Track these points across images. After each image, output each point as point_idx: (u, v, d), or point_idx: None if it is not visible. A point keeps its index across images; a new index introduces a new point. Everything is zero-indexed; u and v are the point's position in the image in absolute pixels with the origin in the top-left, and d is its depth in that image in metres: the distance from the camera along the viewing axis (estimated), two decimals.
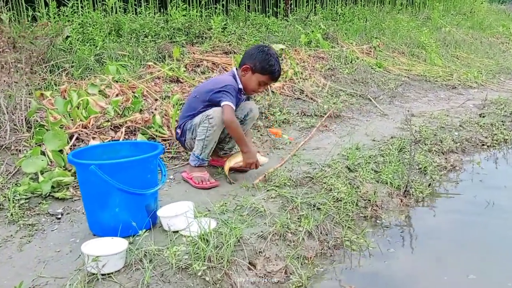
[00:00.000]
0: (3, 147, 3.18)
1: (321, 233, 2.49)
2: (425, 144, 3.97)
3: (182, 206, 2.36)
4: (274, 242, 2.29)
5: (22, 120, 3.47)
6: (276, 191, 2.83)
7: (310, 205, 2.72)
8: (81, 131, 3.23)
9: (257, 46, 3.10)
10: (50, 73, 4.53)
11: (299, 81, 5.72)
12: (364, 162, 3.43)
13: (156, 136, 3.52)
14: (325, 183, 3.00)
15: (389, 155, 3.62)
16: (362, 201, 2.91)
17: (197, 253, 2.02)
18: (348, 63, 7.06)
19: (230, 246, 2.10)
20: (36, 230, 2.34)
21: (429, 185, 3.33)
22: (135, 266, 1.97)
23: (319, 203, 2.73)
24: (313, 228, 2.47)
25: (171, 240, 2.16)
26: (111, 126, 3.45)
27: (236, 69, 3.10)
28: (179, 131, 3.11)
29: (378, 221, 2.81)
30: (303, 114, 4.79)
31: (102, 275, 1.89)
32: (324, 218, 2.57)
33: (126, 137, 3.42)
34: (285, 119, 4.49)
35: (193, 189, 2.92)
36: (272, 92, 5.15)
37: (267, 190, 2.86)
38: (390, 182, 3.21)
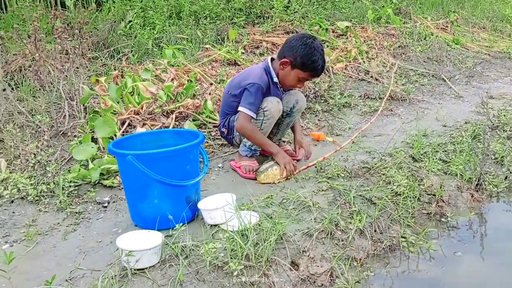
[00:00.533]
0: (61, 133, 3.27)
1: (374, 231, 2.28)
2: (503, 130, 3.54)
3: (224, 198, 2.26)
4: (321, 240, 2.12)
5: (80, 106, 3.55)
6: (328, 183, 2.64)
7: (365, 199, 2.50)
8: (133, 117, 3.23)
9: (300, 36, 2.75)
10: (110, 58, 4.62)
11: (364, 61, 5.39)
12: (432, 151, 3.12)
13: (207, 122, 3.45)
14: (383, 174, 2.76)
15: (460, 143, 3.27)
16: (425, 196, 2.64)
17: (235, 251, 1.91)
18: (421, 40, 6.56)
19: (271, 244, 1.96)
20: (82, 218, 2.36)
21: (506, 178, 2.96)
22: (170, 262, 1.90)
23: (375, 197, 2.51)
24: (366, 225, 2.27)
25: (210, 235, 2.07)
26: (163, 112, 3.42)
27: (272, 59, 2.87)
28: (224, 130, 2.99)
29: (443, 219, 2.53)
30: (366, 96, 4.49)
31: (136, 270, 1.84)
32: (380, 215, 2.35)
33: (177, 123, 3.38)
34: (346, 102, 4.23)
35: (240, 179, 2.81)
36: (334, 73, 4.88)
37: (318, 182, 2.67)
38: (460, 174, 2.89)
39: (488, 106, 4.13)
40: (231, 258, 1.88)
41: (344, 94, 4.36)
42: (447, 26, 7.32)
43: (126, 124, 3.19)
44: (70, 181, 2.60)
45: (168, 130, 2.89)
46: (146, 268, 1.86)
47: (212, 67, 4.73)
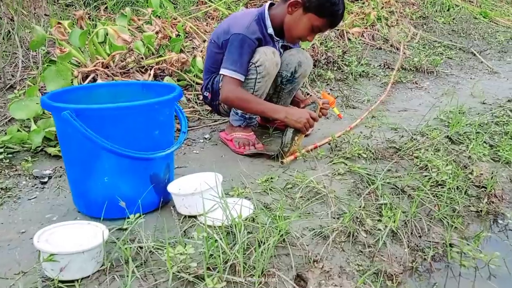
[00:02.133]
0: (9, 86, 2.62)
1: (411, 233, 1.66)
2: None
3: (205, 179, 1.64)
4: (339, 245, 1.50)
5: (39, 57, 2.89)
6: (346, 164, 2.02)
7: (395, 189, 1.88)
8: (100, 70, 2.57)
9: None
10: (86, 5, 3.93)
11: (383, 28, 4.71)
12: (473, 131, 2.49)
13: (194, 82, 2.80)
14: (417, 157, 2.13)
15: (508, 124, 2.63)
16: (473, 188, 2.02)
17: (214, 258, 1.29)
18: (444, 11, 5.87)
19: (268, 249, 1.34)
20: (9, 197, 1.73)
21: None
22: (115, 271, 1.28)
23: (409, 187, 1.89)
24: (399, 225, 1.65)
25: (181, 232, 1.46)
26: (139, 67, 2.76)
27: (271, 4, 2.21)
28: (207, 94, 2.33)
29: (499, 221, 1.91)
30: (386, 66, 3.85)
31: (61, 282, 1.22)
32: (417, 211, 1.73)
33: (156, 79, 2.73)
34: (363, 71, 3.58)
35: (232, 155, 2.18)
36: (349, 39, 4.21)
37: (333, 163, 2.05)
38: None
39: None
40: (208, 269, 1.27)
41: (361, 62, 3.70)
42: None
43: (90, 78, 2.53)
44: (2, 146, 1.96)
45: (134, 82, 2.23)
46: (77, 280, 1.24)
47: (207, 23, 4.05)
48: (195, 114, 2.63)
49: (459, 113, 2.77)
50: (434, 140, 2.29)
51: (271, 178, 1.88)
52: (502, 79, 3.82)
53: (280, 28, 2.16)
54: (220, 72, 2.11)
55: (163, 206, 1.63)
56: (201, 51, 3.21)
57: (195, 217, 1.57)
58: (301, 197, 1.73)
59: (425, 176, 1.98)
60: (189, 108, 2.68)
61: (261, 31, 2.10)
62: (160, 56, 2.95)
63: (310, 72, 2.41)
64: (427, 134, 2.41)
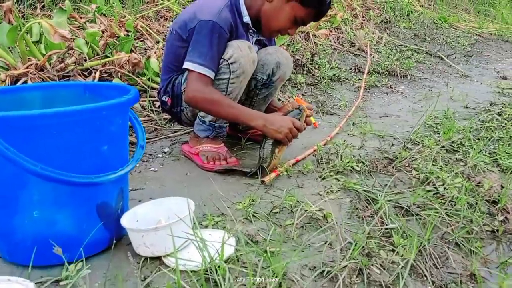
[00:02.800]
0: None
1: (430, 264, 1.37)
2: None
3: (171, 207, 1.27)
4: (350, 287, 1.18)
5: None
6: (338, 180, 1.71)
7: (399, 208, 1.59)
8: (33, 73, 2.14)
9: None
10: (18, 3, 3.44)
11: (348, 32, 4.51)
12: (466, 138, 2.26)
13: (149, 87, 2.41)
14: (416, 169, 1.86)
15: (500, 129, 2.43)
16: (483, 203, 1.76)
17: None
18: (404, 16, 5.79)
19: None
20: None
21: None
22: None
23: (415, 205, 1.60)
24: (415, 255, 1.35)
25: (143, 280, 1.08)
26: (81, 69, 2.35)
27: None
28: (167, 99, 1.94)
29: None
30: (357, 70, 3.61)
31: None
32: (431, 236, 1.44)
33: None
34: (334, 75, 3.32)
35: (200, 171, 1.82)
36: (315, 42, 3.96)
37: (323, 178, 1.73)
38: None
39: (502, 86, 3.38)
40: None
41: (331, 65, 3.45)
42: (430, 4, 6.62)
43: (20, 83, 2.09)
44: None
45: (75, 83, 1.81)
46: None
47: (160, 24, 3.67)
48: (151, 123, 2.25)
49: (445, 118, 2.55)
50: (430, 148, 2.03)
51: (252, 200, 1.54)
52: (476, 82, 3.68)
53: (256, 19, 1.84)
54: (184, 66, 1.74)
55: (115, 245, 1.25)
56: (156, 52, 2.83)
57: (159, 258, 1.19)
58: (293, 224, 1.40)
59: (429, 191, 1.71)
60: (143, 117, 2.29)
61: (233, 20, 1.77)
62: (107, 56, 2.54)
63: None
64: (420, 142, 2.16)
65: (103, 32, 2.83)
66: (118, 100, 1.17)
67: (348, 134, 2.30)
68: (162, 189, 1.67)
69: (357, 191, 1.64)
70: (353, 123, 2.48)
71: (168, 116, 2.30)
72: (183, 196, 1.55)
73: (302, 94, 2.94)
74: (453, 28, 5.94)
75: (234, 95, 1.80)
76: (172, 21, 3.73)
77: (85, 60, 2.37)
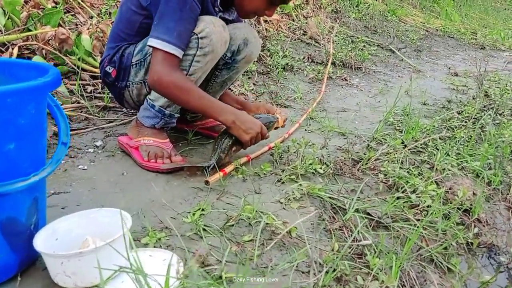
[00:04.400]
0: None
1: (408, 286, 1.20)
2: (501, 114, 2.71)
3: (102, 222, 1.01)
4: None
5: None
6: (300, 184, 1.51)
7: (369, 219, 1.42)
8: None
9: None
10: None
11: (300, 19, 4.33)
12: (428, 137, 2.15)
13: (80, 68, 2.09)
14: (382, 172, 1.70)
15: (461, 129, 2.35)
16: (454, 211, 1.63)
17: None
18: (354, 7, 5.72)
19: None
20: None
21: None
22: None
23: (387, 215, 1.43)
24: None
25: None
26: None
27: None
28: (111, 69, 1.66)
29: (494, 256, 1.54)
30: (310, 60, 3.44)
31: None
32: (409, 253, 1.28)
33: None
34: (287, 64, 3.13)
35: (138, 170, 1.56)
36: (266, 29, 3.75)
37: (282, 183, 1.53)
38: (482, 176, 1.95)
39: (456, 83, 3.36)
40: None
41: (284, 53, 3.25)
42: None
43: None
44: None
45: None
46: None
47: None
48: (81, 112, 1.94)
49: (406, 115, 2.43)
50: (395, 149, 1.89)
51: (202, 209, 1.30)
52: (429, 78, 3.64)
53: None
54: (149, 43, 1.48)
55: (27, 272, 0.97)
56: (89, 29, 2.49)
57: None
58: (252, 240, 1.18)
59: (399, 198, 1.55)
60: (72, 103, 1.98)
61: None
62: (29, 30, 2.18)
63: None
64: (384, 141, 2.01)
65: (26, 2, 2.45)
66: (29, 83, 0.88)
67: (306, 130, 2.11)
68: (92, 193, 1.39)
69: (322, 198, 1.45)
70: (311, 117, 2.30)
71: (102, 104, 2.00)
72: (118, 202, 1.30)
73: (254, 84, 2.72)
74: (402, 21, 5.95)
75: (196, 76, 1.56)
76: None
77: (1, 32, 2.00)
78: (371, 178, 1.67)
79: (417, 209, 1.47)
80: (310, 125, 2.21)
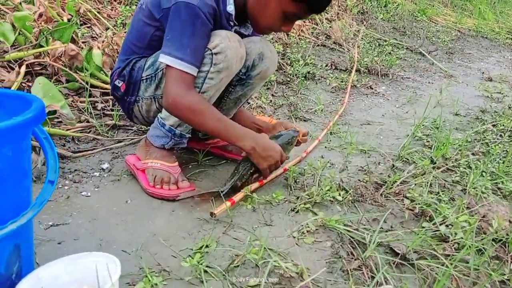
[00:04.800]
0: None
1: None
2: None
3: (90, 269, 0.92)
4: None
5: None
6: (315, 213, 1.39)
7: (393, 254, 1.29)
8: None
9: None
10: None
11: (323, 22, 4.19)
12: (461, 155, 1.99)
13: (88, 84, 2.03)
14: (409, 198, 1.56)
15: (496, 143, 2.17)
16: (489, 245, 1.48)
17: None
18: (382, 7, 5.53)
19: None
20: None
21: None
22: None
23: (415, 251, 1.30)
24: None
25: None
26: (7, 61, 1.94)
27: None
28: (121, 83, 1.58)
29: None
30: (334, 67, 3.30)
31: None
32: None
33: (28, 81, 1.93)
34: (309, 72, 3.00)
35: (143, 197, 1.47)
36: (287, 34, 3.62)
37: (296, 212, 1.41)
38: None
39: (490, 90, 3.15)
40: None
41: (306, 61, 3.12)
42: None
43: None
44: None
45: None
46: None
47: (112, 7, 3.25)
48: (89, 131, 1.87)
49: (436, 128, 2.27)
50: (424, 170, 1.74)
51: (206, 246, 1.20)
52: (461, 84, 3.44)
53: (241, 11, 1.50)
54: (160, 60, 1.40)
55: None
56: (103, 42, 2.43)
57: None
58: (259, 285, 1.07)
59: (426, 229, 1.41)
60: (80, 122, 1.91)
61: (216, 6, 1.43)
62: (41, 46, 2.13)
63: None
64: (411, 161, 1.87)
65: (40, 16, 2.41)
66: (3, 124, 0.80)
67: (326, 148, 1.99)
68: (93, 224, 1.31)
69: (339, 231, 1.32)
70: (332, 132, 2.17)
71: (111, 122, 1.93)
72: (118, 236, 1.22)
73: (272, 95, 2.61)
74: (432, 21, 5.72)
75: (209, 94, 1.47)
76: (128, 5, 3.31)
77: (13, 47, 1.95)
78: (395, 205, 1.53)
79: (447, 244, 1.33)
80: (330, 141, 2.08)
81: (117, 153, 1.77)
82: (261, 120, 1.85)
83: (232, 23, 1.52)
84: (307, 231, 1.31)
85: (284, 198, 1.48)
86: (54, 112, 1.53)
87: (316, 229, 1.33)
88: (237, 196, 1.42)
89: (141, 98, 1.57)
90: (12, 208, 0.88)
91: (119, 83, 1.59)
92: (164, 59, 1.39)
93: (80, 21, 2.75)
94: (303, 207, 1.42)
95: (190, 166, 1.72)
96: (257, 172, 1.51)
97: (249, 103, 2.37)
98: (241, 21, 1.57)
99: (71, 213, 1.37)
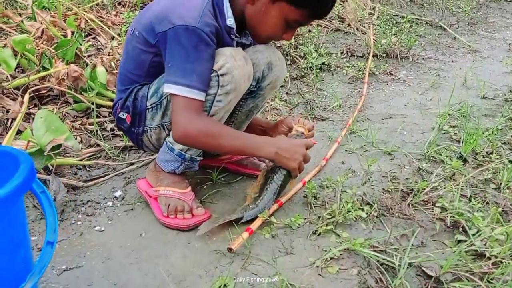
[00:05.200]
0: None
1: None
2: None
3: None
4: None
5: None
6: (337, 235, 1.31)
7: (426, 277, 1.20)
8: None
9: None
10: None
11: (335, 5, 4.01)
12: (492, 146, 1.87)
13: (93, 104, 1.97)
14: (438, 206, 1.46)
15: None
16: None
17: None
18: None
19: None
20: None
21: None
22: None
23: (449, 271, 1.20)
24: None
25: None
26: (5, 89, 1.90)
27: None
28: (125, 115, 1.51)
29: None
30: (350, 54, 3.17)
31: None
32: None
33: (35, 106, 1.89)
34: (324, 63, 2.88)
35: (158, 228, 1.41)
36: None
37: (318, 235, 1.33)
38: None
39: None
40: None
41: (319, 51, 3.00)
42: None
43: None
44: None
45: None
46: None
47: (117, 13, 3.18)
48: (100, 156, 1.82)
49: (463, 116, 2.14)
50: (453, 171, 1.63)
51: (224, 286, 1.13)
52: (487, 59, 3.26)
53: (240, 21, 1.41)
54: (165, 90, 1.32)
55: None
56: (108, 54, 2.38)
57: None
58: None
59: (459, 242, 1.31)
60: (91, 146, 1.86)
61: (217, 24, 1.35)
62: (44, 68, 2.08)
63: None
64: (438, 159, 1.76)
65: (43, 32, 2.36)
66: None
67: (346, 151, 1.89)
68: (106, 265, 1.26)
69: (367, 256, 1.24)
70: (352, 131, 2.07)
71: (121, 144, 1.87)
72: (133, 279, 1.17)
73: (287, 93, 2.51)
74: None
75: (218, 117, 1.40)
76: (133, 9, 3.24)
77: (8, 79, 1.91)
78: (424, 216, 1.44)
79: (483, 261, 1.23)
80: (351, 141, 1.98)
81: (129, 178, 1.71)
82: (264, 121, 1.78)
83: (233, 36, 1.43)
84: (331, 258, 1.23)
85: (305, 219, 1.40)
86: (59, 146, 1.48)
87: (341, 254, 1.25)
88: (255, 224, 1.35)
89: (149, 128, 1.51)
90: (7, 282, 0.83)
91: (123, 115, 1.52)
92: (169, 89, 1.31)
93: (84, 32, 2.70)
94: (325, 229, 1.34)
95: (205, 187, 1.65)
96: (290, 178, 1.46)
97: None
98: (241, 30, 1.48)
99: (85, 253, 1.32)
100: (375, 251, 1.25)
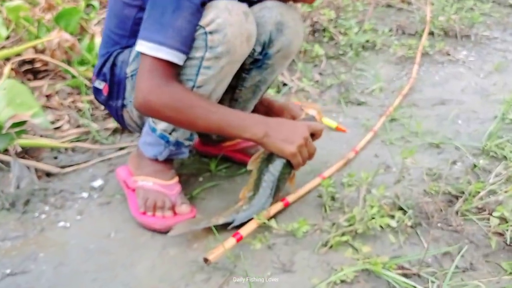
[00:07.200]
0: None
1: None
2: None
3: None
4: None
5: None
6: (355, 250, 1.00)
7: None
8: None
9: None
10: None
11: None
12: None
13: (87, 79, 1.75)
14: (496, 216, 1.12)
15: None
16: None
17: None
18: None
19: None
20: None
21: None
22: None
23: None
24: None
25: None
26: None
27: None
28: (102, 85, 1.27)
29: None
30: (400, 32, 2.80)
31: None
32: None
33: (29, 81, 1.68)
34: (367, 41, 2.54)
35: (131, 227, 1.17)
36: None
37: (328, 247, 1.03)
38: None
39: None
40: None
41: (363, 27, 2.65)
42: None
43: None
44: None
45: None
46: None
47: None
48: (86, 139, 1.59)
49: None
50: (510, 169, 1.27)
51: None
52: None
53: None
54: (137, 48, 1.07)
55: None
56: None
57: None
58: None
59: None
60: (78, 127, 1.64)
61: None
62: (38, 37, 1.89)
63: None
64: (499, 154, 1.40)
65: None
66: None
67: (382, 142, 1.56)
68: (57, 273, 1.03)
69: (389, 279, 0.92)
70: (392, 119, 1.73)
71: (113, 126, 1.64)
72: None
73: (320, 73, 2.19)
74: None
75: (208, 89, 1.12)
76: None
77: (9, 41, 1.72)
78: (477, 229, 1.10)
79: None
80: (391, 130, 1.65)
81: (115, 165, 1.47)
82: (269, 98, 1.47)
83: None
84: (341, 281, 0.93)
85: (314, 226, 1.10)
86: (23, 123, 1.27)
87: (356, 277, 0.94)
88: (247, 228, 1.06)
89: (130, 101, 1.25)
90: None
91: (100, 84, 1.28)
92: (140, 46, 1.06)
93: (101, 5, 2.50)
94: (339, 240, 1.03)
95: (201, 179, 1.38)
96: (288, 170, 1.15)
97: (286, 84, 1.99)
98: None
99: (37, 255, 1.10)
100: (404, 274, 0.94)
